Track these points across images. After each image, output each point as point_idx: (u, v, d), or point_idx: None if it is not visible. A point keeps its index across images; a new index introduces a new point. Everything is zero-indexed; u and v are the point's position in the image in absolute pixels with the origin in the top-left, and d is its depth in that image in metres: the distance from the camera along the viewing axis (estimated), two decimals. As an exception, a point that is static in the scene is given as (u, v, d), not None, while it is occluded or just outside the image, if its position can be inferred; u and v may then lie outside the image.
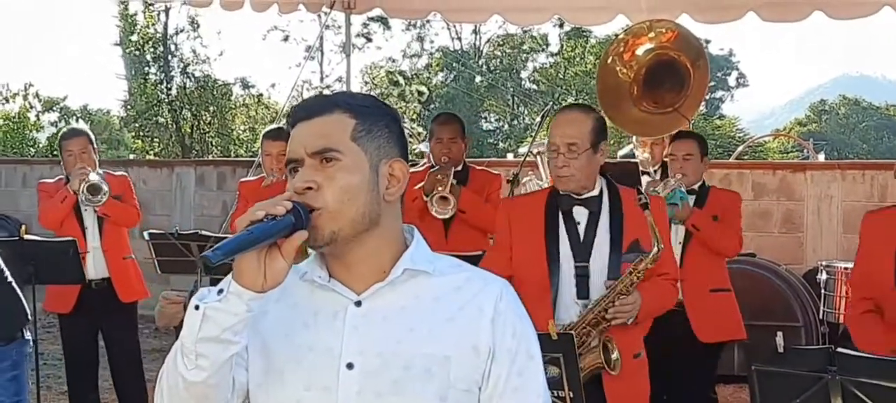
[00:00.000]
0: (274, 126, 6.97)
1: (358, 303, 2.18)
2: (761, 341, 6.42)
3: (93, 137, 6.74)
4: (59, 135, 6.88)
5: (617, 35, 8.94)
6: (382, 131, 2.21)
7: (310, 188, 2.12)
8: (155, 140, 30.49)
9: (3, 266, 4.84)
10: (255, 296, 2.04)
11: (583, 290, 4.20)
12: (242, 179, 6.99)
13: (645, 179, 7.04)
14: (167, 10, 29.58)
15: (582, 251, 4.22)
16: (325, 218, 2.11)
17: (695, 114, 7.77)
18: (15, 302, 4.89)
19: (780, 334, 3.94)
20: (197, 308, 2.04)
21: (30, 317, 5.05)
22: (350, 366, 2.14)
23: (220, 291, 2.04)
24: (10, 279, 4.87)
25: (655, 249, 4.08)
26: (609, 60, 8.13)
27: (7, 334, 4.79)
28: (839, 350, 3.55)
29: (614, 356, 4.13)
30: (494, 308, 2.20)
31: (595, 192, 4.27)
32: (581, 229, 4.24)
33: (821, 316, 8.27)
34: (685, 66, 7.81)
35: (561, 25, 37.62)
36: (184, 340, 2.05)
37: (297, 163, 2.18)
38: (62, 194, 6.49)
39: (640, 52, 8.00)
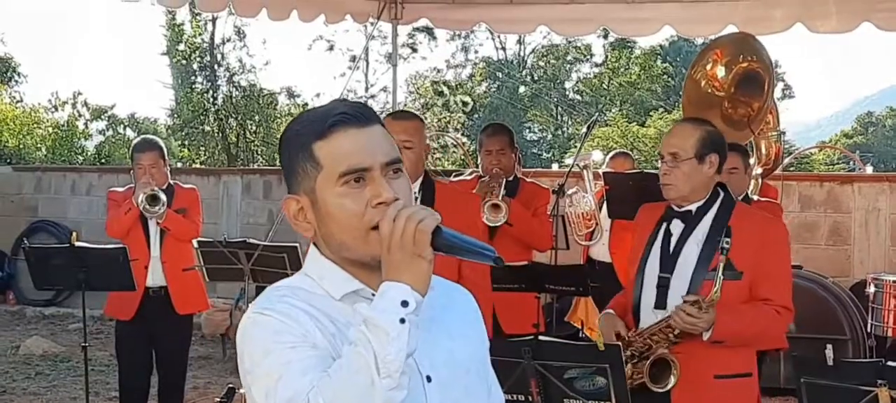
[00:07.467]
0: None
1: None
2: (808, 354, 6.37)
3: (165, 150, 6.79)
4: (132, 144, 6.93)
5: (705, 43, 8.74)
6: None
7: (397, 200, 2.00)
8: (201, 149, 30.71)
9: None
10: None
11: (660, 301, 4.24)
12: None
13: None
14: (214, 20, 29.89)
15: (668, 262, 4.26)
16: None
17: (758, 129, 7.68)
18: None
19: (830, 347, 3.92)
20: (402, 321, 1.86)
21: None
22: (429, 379, 2.07)
23: (405, 303, 1.88)
24: None
25: (714, 291, 3.97)
26: (697, 73, 8.00)
27: None
28: (890, 363, 3.54)
29: (672, 375, 4.09)
30: (476, 307, 2.31)
31: (692, 207, 4.26)
32: (673, 241, 4.28)
33: (868, 330, 8.19)
34: (766, 81, 7.69)
35: (605, 36, 37.61)
36: (387, 359, 1.84)
37: (364, 172, 2.02)
38: (127, 205, 6.57)
39: (726, 63, 7.86)
